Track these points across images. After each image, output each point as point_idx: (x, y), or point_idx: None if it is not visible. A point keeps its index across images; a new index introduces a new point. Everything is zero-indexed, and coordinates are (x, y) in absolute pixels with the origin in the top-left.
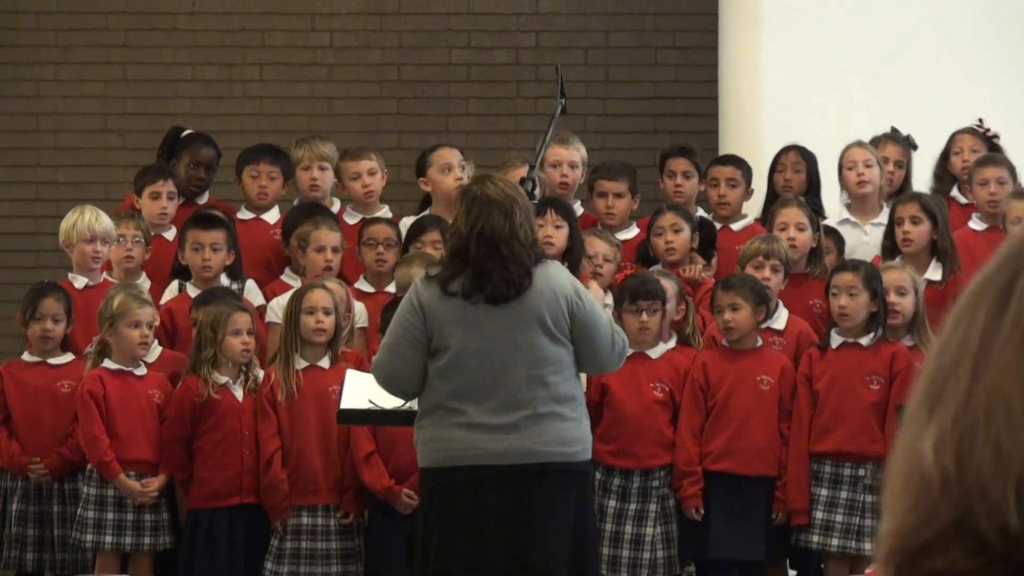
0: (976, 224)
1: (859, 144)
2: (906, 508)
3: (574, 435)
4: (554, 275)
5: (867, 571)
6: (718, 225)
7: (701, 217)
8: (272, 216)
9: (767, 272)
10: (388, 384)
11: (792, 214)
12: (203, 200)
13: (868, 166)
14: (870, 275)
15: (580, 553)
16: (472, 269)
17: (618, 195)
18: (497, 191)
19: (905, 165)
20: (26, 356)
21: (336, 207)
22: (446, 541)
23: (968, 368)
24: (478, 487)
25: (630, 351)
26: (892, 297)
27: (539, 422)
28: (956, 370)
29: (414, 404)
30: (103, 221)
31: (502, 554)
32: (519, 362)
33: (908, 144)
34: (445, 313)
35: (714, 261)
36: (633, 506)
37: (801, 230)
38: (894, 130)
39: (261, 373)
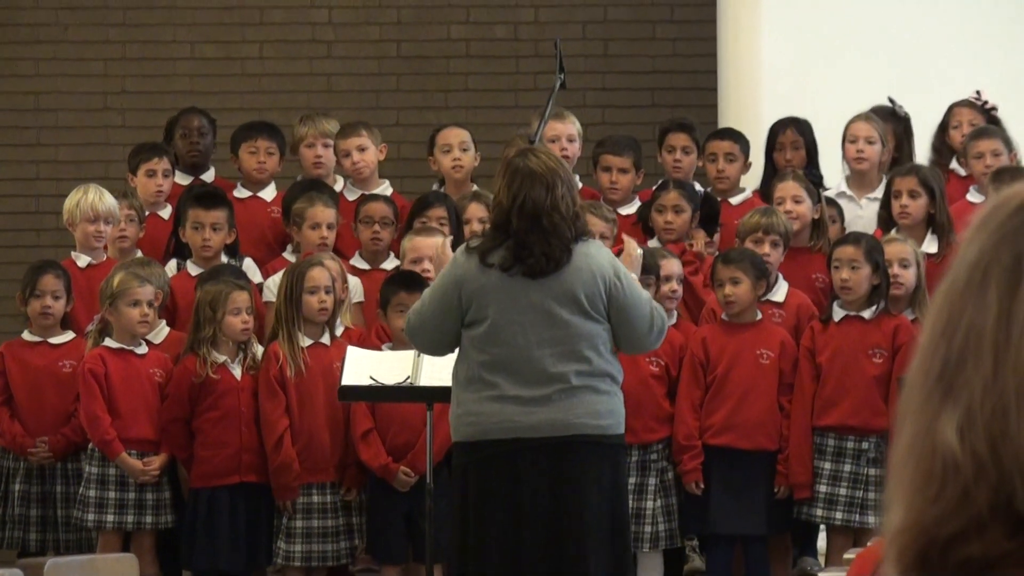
0: (974, 196)
1: (865, 118)
2: (928, 498)
3: (607, 408)
4: (594, 254)
5: (869, 544)
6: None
7: (705, 192)
8: (269, 194)
9: (766, 247)
10: (422, 348)
11: (788, 187)
12: (209, 177)
13: (870, 143)
14: (871, 248)
15: (617, 525)
16: (514, 242)
17: (622, 170)
18: (539, 163)
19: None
20: (27, 335)
21: (340, 184)
22: (482, 515)
23: (988, 351)
24: (513, 460)
25: None
26: (895, 269)
27: (572, 395)
28: (973, 354)
29: (416, 380)
30: (106, 201)
31: (539, 527)
32: (554, 336)
33: (895, 114)
34: (483, 285)
35: (716, 236)
36: (632, 480)
37: (798, 202)
38: (891, 100)
39: (259, 350)
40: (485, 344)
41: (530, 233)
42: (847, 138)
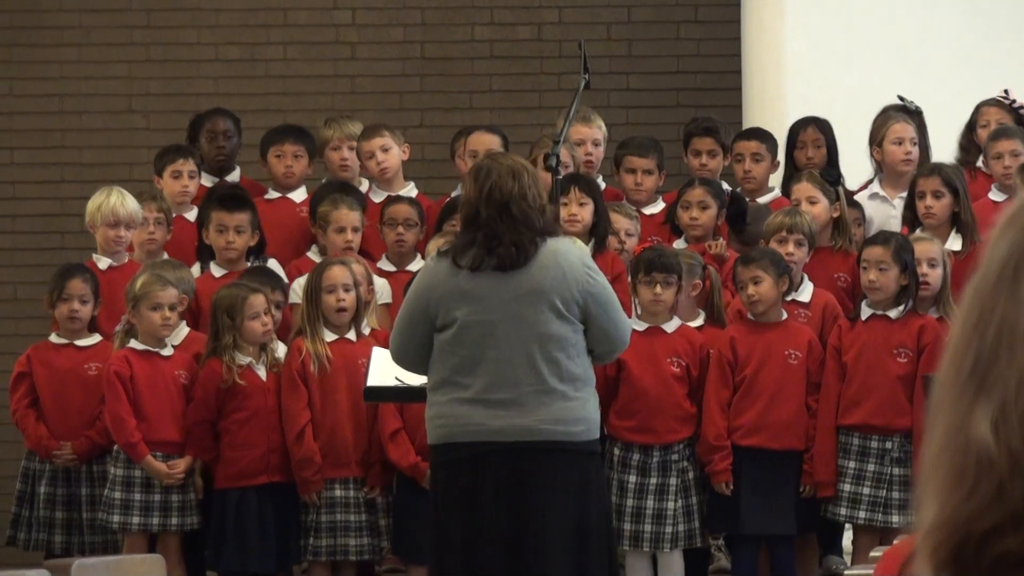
0: (996, 195)
1: (903, 119)
2: (963, 494)
3: (578, 415)
4: (563, 251)
5: (896, 541)
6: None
7: (733, 191)
8: (298, 195)
9: (791, 247)
10: (400, 363)
11: (802, 188)
12: (235, 177)
13: (914, 143)
14: (900, 247)
15: (583, 535)
16: (483, 233)
17: (647, 171)
18: (506, 159)
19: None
20: (53, 338)
21: (365, 187)
22: (445, 516)
23: (1022, 345)
24: (477, 463)
25: (645, 325)
26: (923, 268)
27: (541, 400)
28: (1007, 349)
29: None
30: (128, 205)
31: (500, 532)
32: (523, 337)
33: (907, 111)
34: (452, 287)
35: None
36: (653, 481)
37: (812, 203)
38: (900, 98)
39: (280, 349)
40: (454, 346)
41: (499, 221)
42: (889, 139)
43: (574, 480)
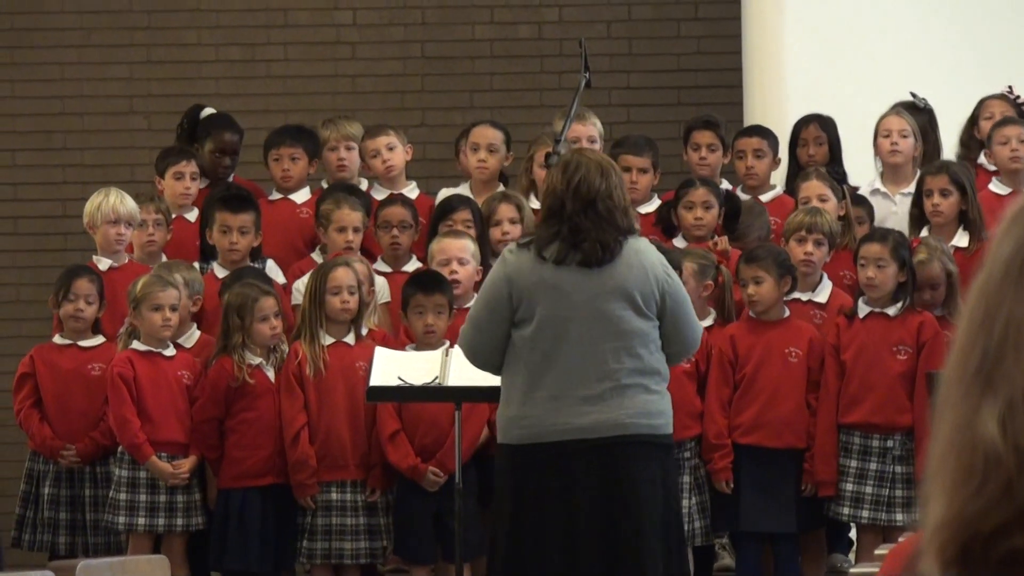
0: (997, 187)
1: (896, 112)
2: (970, 492)
3: (658, 408)
4: (644, 250)
5: (901, 539)
6: (747, 197)
7: (726, 190)
8: (300, 196)
9: (810, 246)
10: (473, 358)
11: (813, 187)
12: (228, 178)
13: (903, 136)
14: (898, 244)
15: (669, 527)
16: (568, 227)
17: (642, 170)
18: (595, 155)
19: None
20: (57, 339)
21: (365, 186)
22: (538, 517)
23: None
24: (567, 461)
25: None
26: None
27: (624, 394)
28: (1013, 346)
29: (444, 380)
30: (127, 204)
31: (595, 528)
32: (605, 333)
33: (918, 108)
34: (534, 281)
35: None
36: None
37: (823, 201)
38: (912, 95)
39: (287, 350)
40: (536, 342)
41: (584, 217)
42: (880, 133)
43: (659, 472)
